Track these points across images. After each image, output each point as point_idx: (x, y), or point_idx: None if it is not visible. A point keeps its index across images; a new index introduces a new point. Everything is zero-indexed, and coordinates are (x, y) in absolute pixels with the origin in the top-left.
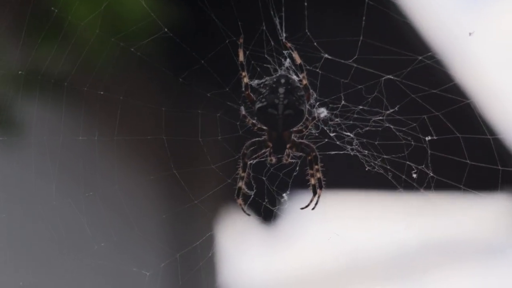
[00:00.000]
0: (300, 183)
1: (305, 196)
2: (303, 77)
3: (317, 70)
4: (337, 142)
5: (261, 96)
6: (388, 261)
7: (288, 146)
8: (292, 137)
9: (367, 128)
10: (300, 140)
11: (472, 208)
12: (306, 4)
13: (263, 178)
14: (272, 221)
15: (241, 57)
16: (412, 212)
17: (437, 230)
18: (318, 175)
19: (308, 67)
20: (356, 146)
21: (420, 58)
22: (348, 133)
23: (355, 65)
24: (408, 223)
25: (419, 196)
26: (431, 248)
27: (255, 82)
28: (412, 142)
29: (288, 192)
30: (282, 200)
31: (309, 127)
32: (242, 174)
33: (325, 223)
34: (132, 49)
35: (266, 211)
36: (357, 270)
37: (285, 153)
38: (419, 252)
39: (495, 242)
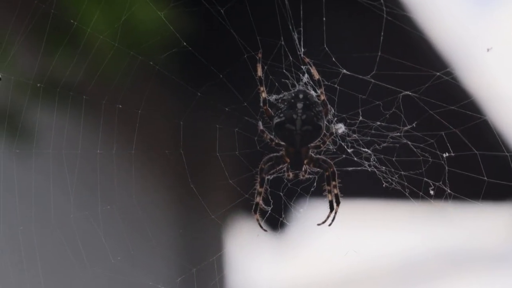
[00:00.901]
0: (318, 197)
1: (322, 210)
2: (321, 92)
3: (335, 85)
4: (355, 158)
5: (279, 111)
6: (398, 270)
7: (305, 161)
8: (310, 153)
9: (385, 144)
10: (317, 156)
11: (484, 218)
12: (324, 19)
13: (281, 193)
14: (287, 233)
15: (260, 72)
16: (424, 222)
17: (449, 239)
18: (336, 191)
19: (326, 83)
20: (374, 162)
21: (438, 74)
22: (366, 149)
23: (373, 80)
24: (420, 232)
25: (432, 206)
26: (442, 257)
27: (273, 97)
28: (430, 159)
29: (305, 208)
30: (299, 215)
31: (327, 142)
32: (260, 190)
33: (340, 235)
34: (151, 63)
35: (282, 225)
36: (366, 279)
37: (303, 169)
38: (430, 261)
39: (506, 252)
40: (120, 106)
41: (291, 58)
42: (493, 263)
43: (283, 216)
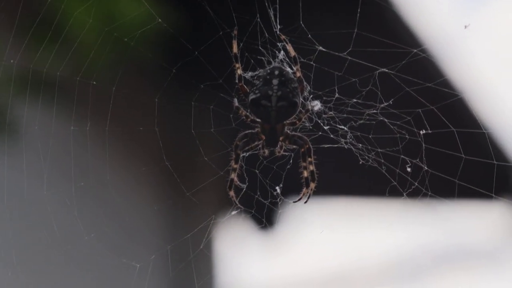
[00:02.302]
0: (294, 177)
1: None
2: (297, 69)
3: (311, 62)
4: (331, 135)
5: (255, 88)
6: (386, 266)
7: (281, 138)
8: (285, 130)
9: (361, 122)
10: (293, 133)
11: (468, 211)
12: None
13: (256, 170)
14: (267, 216)
15: (235, 49)
16: (411, 218)
17: (434, 235)
18: (311, 167)
19: (302, 60)
20: (350, 140)
21: (415, 51)
22: (342, 126)
23: (349, 58)
24: (406, 228)
25: (418, 201)
26: (428, 253)
27: (248, 74)
28: (407, 136)
29: (281, 185)
30: (275, 193)
31: (303, 119)
32: (235, 166)
33: (320, 226)
34: (126, 39)
35: (263, 207)
36: (355, 275)
37: (278, 146)
38: (418, 257)
39: (491, 246)
40: (94, 83)
41: (267, 35)
42: (478, 258)
43: (269, 199)
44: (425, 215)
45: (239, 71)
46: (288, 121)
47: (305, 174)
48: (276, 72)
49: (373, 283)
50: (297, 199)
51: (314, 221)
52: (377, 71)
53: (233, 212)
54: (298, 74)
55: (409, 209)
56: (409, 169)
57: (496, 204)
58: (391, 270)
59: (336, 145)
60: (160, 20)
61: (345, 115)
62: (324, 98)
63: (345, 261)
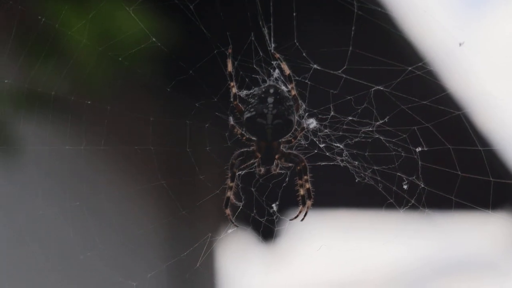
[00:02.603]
0: (290, 195)
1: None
2: (292, 87)
3: (306, 81)
4: (327, 153)
5: (250, 106)
6: (386, 278)
7: (277, 156)
8: (281, 148)
9: (357, 139)
10: (289, 151)
11: (464, 222)
12: (295, 14)
13: (252, 189)
14: (263, 234)
15: (230, 67)
16: (409, 231)
17: (433, 247)
18: (307, 185)
19: (297, 78)
20: (346, 157)
21: (409, 68)
22: (338, 144)
23: (344, 75)
24: (405, 241)
25: (416, 214)
26: (428, 265)
27: (243, 93)
28: (403, 154)
29: (277, 203)
30: (271, 211)
31: (298, 137)
32: (231, 184)
33: (318, 239)
34: (120, 59)
35: (259, 225)
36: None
37: (274, 164)
38: (417, 269)
39: (488, 257)
40: (89, 102)
41: (261, 54)
42: (476, 268)
43: (265, 217)
44: (424, 228)
45: (234, 90)
46: (283, 139)
47: (301, 192)
48: (271, 91)
49: None
50: (294, 217)
51: (311, 237)
52: (372, 89)
53: (230, 231)
54: (293, 92)
55: (408, 222)
56: (405, 187)
57: (495, 216)
58: (391, 282)
59: (332, 163)
60: (154, 39)
61: (340, 133)
62: (320, 116)
63: (344, 274)
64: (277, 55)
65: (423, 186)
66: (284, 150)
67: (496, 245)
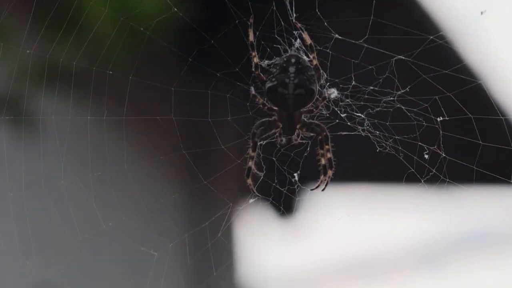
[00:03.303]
0: (312, 165)
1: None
2: (314, 57)
3: (328, 50)
4: (348, 123)
5: (272, 76)
6: (406, 252)
7: (298, 126)
8: (302, 117)
9: (378, 109)
10: (310, 120)
11: (486, 197)
12: None
13: (273, 158)
14: (285, 204)
15: (251, 37)
16: (429, 204)
17: (453, 221)
18: (329, 155)
19: (318, 47)
20: (368, 127)
21: (431, 37)
22: (359, 114)
23: (365, 45)
24: (424, 215)
25: (437, 186)
26: (448, 239)
27: (265, 63)
28: (424, 123)
29: (299, 173)
30: (293, 180)
31: (320, 107)
32: (252, 154)
33: (338, 212)
34: (142, 29)
35: (281, 195)
36: (374, 261)
37: (295, 133)
38: (437, 243)
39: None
40: (111, 72)
41: (283, 23)
42: (498, 245)
43: (286, 187)
44: (445, 201)
45: (256, 60)
46: (305, 109)
47: (323, 161)
48: (293, 60)
49: (393, 269)
50: (315, 186)
51: (332, 208)
52: (394, 58)
53: (251, 200)
54: (315, 62)
55: (429, 195)
56: (426, 156)
57: None
58: (411, 256)
59: (353, 133)
60: (175, 9)
61: (362, 103)
62: (341, 85)
63: (364, 247)
64: (299, 25)
65: (444, 155)
66: (305, 119)
67: None
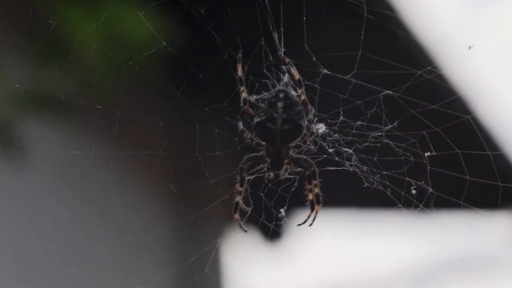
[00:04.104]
0: (299, 200)
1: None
2: (302, 92)
3: (316, 85)
4: (336, 158)
5: (260, 111)
6: (393, 278)
7: (286, 161)
8: (291, 152)
9: (366, 144)
10: (298, 156)
11: (473, 225)
12: (305, 19)
13: (261, 194)
14: (272, 238)
15: (240, 72)
16: (415, 231)
17: (440, 248)
18: (316, 190)
19: (306, 82)
20: (355, 162)
21: (419, 72)
22: (347, 149)
23: (354, 80)
24: (412, 240)
25: (421, 215)
26: (435, 264)
27: (253, 97)
28: (412, 158)
29: (285, 208)
30: (279, 215)
31: (308, 142)
32: (240, 189)
33: (324, 241)
34: (131, 63)
35: (268, 230)
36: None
37: (283, 168)
38: (425, 268)
39: (495, 259)
40: (99, 106)
41: (271, 58)
42: (482, 271)
43: (273, 222)
44: (432, 229)
45: (244, 94)
46: (293, 144)
47: (310, 196)
48: (281, 95)
49: None
50: (302, 221)
51: (319, 239)
52: (382, 93)
53: (238, 235)
54: (303, 97)
55: (416, 224)
56: (414, 191)
57: (504, 217)
58: (397, 280)
59: (341, 168)
60: (165, 43)
61: (350, 138)
62: (329, 120)
63: (351, 272)
64: (287, 60)
65: (432, 190)
66: (293, 155)
67: (504, 244)
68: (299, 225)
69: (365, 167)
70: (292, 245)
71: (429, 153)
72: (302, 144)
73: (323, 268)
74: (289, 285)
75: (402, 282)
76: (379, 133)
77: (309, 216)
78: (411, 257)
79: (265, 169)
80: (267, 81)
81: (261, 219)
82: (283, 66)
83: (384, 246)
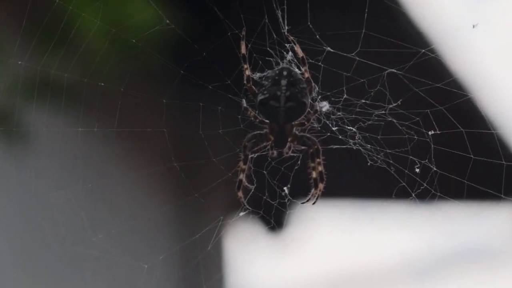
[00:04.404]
0: (302, 178)
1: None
2: (305, 70)
3: (319, 63)
4: (340, 136)
5: (263, 88)
6: (395, 267)
7: (289, 139)
8: (294, 130)
9: (370, 122)
10: (301, 133)
11: (476, 214)
12: None
13: (264, 171)
14: (278, 223)
15: (243, 50)
16: (419, 220)
17: (443, 236)
18: (320, 168)
19: (310, 60)
20: (359, 140)
21: (423, 51)
22: (351, 127)
23: (357, 58)
24: (414, 230)
25: (428, 200)
26: (437, 255)
27: (257, 75)
28: (415, 137)
29: (289, 186)
30: (283, 193)
31: (311, 120)
32: (243, 167)
33: (329, 227)
34: (134, 41)
35: (270, 213)
36: (364, 276)
37: (287, 146)
38: (426, 259)
39: (500, 248)
40: (102, 84)
41: (275, 36)
42: (486, 261)
43: (277, 200)
44: (434, 217)
45: (248, 72)
46: (296, 122)
47: (314, 175)
48: (285, 73)
49: (384, 284)
50: (305, 200)
51: (323, 222)
52: (386, 72)
53: (241, 213)
54: (307, 75)
55: (418, 211)
56: (417, 170)
57: (506, 204)
58: (400, 271)
59: (344, 146)
60: (168, 21)
61: (353, 116)
62: (333, 99)
63: (355, 262)
64: (291, 38)
65: (435, 169)
66: (297, 133)
67: (508, 232)
68: (302, 203)
69: (369, 145)
70: (295, 225)
71: (432, 132)
72: (306, 122)
73: (326, 253)
74: (291, 268)
75: (405, 273)
76: (383, 112)
77: (312, 195)
78: (414, 247)
79: (269, 147)
80: (271, 59)
81: (265, 197)
82: (286, 44)
83: (387, 235)
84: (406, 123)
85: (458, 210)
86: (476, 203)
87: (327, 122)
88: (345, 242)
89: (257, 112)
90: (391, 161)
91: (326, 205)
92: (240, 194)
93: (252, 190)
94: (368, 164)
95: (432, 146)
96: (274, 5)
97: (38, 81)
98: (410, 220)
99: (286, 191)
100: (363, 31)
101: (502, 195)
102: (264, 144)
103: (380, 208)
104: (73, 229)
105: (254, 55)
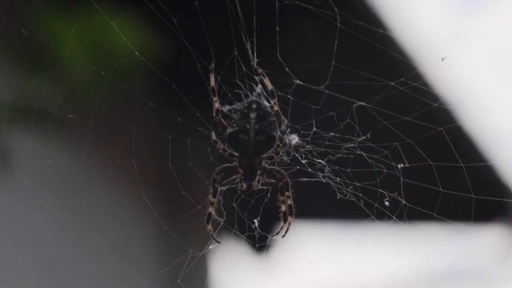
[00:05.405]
0: (272, 211)
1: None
2: (274, 103)
3: (289, 96)
4: (309, 169)
5: (232, 121)
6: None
7: (259, 172)
8: (263, 163)
9: (339, 155)
10: (271, 167)
11: (447, 239)
12: (278, 29)
13: (234, 204)
14: (247, 249)
15: (212, 82)
16: (392, 244)
17: (423, 258)
18: (289, 201)
19: (279, 93)
20: (328, 173)
21: (392, 84)
22: (320, 160)
23: (326, 91)
24: (389, 254)
25: (395, 227)
26: (417, 276)
27: (226, 108)
28: (384, 170)
29: (258, 219)
30: (253, 226)
31: (280, 153)
32: (212, 200)
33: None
34: (103, 73)
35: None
36: None
37: (256, 180)
38: (406, 280)
39: (473, 268)
40: (71, 116)
41: (244, 69)
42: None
43: (246, 233)
44: (406, 240)
45: (217, 105)
46: (265, 155)
47: (283, 208)
48: (254, 106)
49: None
50: (275, 233)
51: (294, 251)
52: (355, 105)
53: (211, 246)
54: (276, 107)
55: (390, 235)
56: (387, 203)
57: (477, 230)
58: None
59: (314, 179)
60: (137, 53)
61: (322, 149)
62: (302, 131)
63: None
64: (260, 70)
65: (404, 202)
66: (266, 166)
67: (479, 256)
68: (272, 236)
69: (338, 179)
70: (269, 256)
71: (402, 165)
72: (275, 155)
73: (298, 278)
74: None
75: None
76: (352, 145)
77: (281, 228)
78: (387, 267)
79: (238, 180)
80: (240, 91)
81: (234, 230)
82: (255, 77)
83: (360, 258)
84: (376, 156)
85: (427, 232)
86: (445, 232)
87: (296, 155)
88: (317, 269)
89: (226, 145)
90: (361, 194)
91: (296, 235)
92: (209, 227)
93: (222, 223)
94: (338, 197)
95: (402, 179)
96: (244, 38)
97: (6, 113)
98: (382, 242)
99: (256, 224)
100: (332, 63)
101: (470, 226)
102: (234, 177)
103: (351, 231)
104: (42, 261)
105: (224, 87)
